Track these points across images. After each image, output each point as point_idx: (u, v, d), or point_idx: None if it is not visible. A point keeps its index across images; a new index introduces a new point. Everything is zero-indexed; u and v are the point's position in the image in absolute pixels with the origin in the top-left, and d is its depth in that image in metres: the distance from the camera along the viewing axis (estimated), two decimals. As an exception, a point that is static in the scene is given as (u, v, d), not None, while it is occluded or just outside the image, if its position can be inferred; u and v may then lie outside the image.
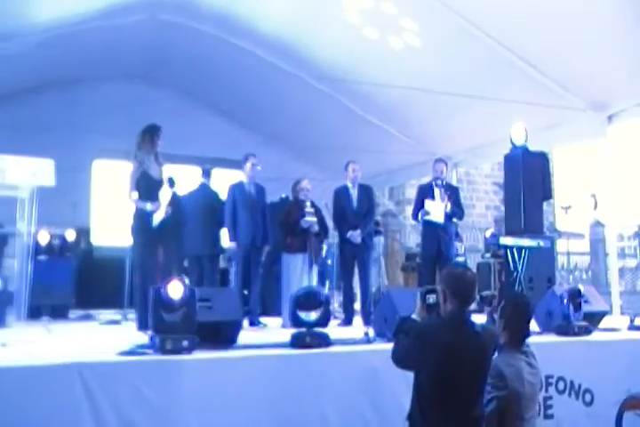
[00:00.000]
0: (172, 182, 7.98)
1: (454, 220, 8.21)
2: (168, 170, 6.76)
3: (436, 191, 7.99)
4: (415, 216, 8.11)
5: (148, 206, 6.23)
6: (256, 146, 9.80)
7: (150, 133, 6.42)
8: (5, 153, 7.28)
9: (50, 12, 7.97)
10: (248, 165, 7.68)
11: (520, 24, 7.45)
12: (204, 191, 8.01)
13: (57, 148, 8.97)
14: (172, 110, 11.20)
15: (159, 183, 6.44)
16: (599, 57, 7.45)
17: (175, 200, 7.45)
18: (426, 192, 8.06)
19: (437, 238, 7.88)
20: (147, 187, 6.31)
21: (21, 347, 4.86)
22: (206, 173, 8.10)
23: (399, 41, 8.42)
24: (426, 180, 8.75)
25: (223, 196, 7.83)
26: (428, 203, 7.87)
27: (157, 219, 6.28)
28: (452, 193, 8.09)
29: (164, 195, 6.67)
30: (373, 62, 9.02)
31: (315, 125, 11.64)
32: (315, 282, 7.49)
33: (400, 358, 3.52)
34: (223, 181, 8.23)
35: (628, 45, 7.19)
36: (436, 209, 7.85)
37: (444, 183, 8.12)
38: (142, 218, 6.27)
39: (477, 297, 7.17)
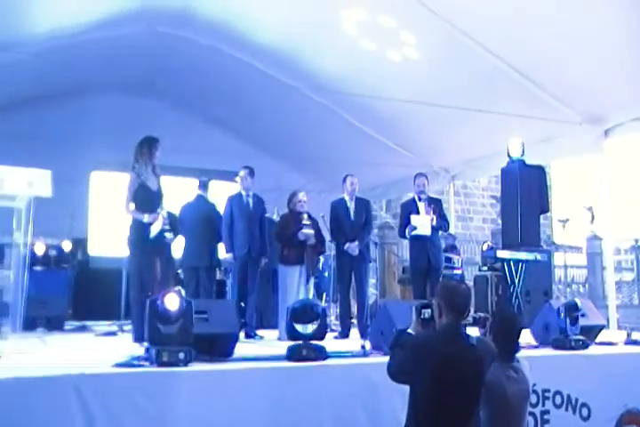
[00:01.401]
0: (204, 185, 7.98)
1: (446, 232, 8.23)
2: (165, 182, 6.75)
3: (420, 206, 8.01)
4: (403, 233, 8.08)
5: (146, 218, 6.24)
6: (254, 157, 9.83)
7: (148, 145, 6.43)
8: (2, 163, 7.27)
9: (48, 22, 8.00)
10: (237, 179, 7.74)
11: (517, 38, 7.49)
12: (201, 203, 7.97)
13: (54, 159, 8.94)
14: (169, 122, 11.21)
15: (157, 195, 6.44)
16: (596, 71, 7.47)
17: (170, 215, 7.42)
18: (410, 208, 8.07)
19: (426, 251, 7.87)
20: (144, 198, 6.32)
21: (16, 358, 4.84)
22: (203, 186, 8.05)
23: (397, 53, 8.45)
24: (412, 194, 8.74)
25: (220, 207, 7.83)
26: (414, 218, 7.88)
27: (155, 230, 6.27)
28: (436, 206, 8.11)
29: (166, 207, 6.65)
30: (371, 74, 9.04)
31: (312, 137, 11.66)
32: (311, 294, 7.49)
33: (395, 372, 3.52)
34: (221, 193, 8.24)
35: (626, 60, 7.22)
36: (423, 223, 7.86)
37: (427, 197, 8.12)
38: (139, 229, 6.28)
39: (470, 318, 7.20)
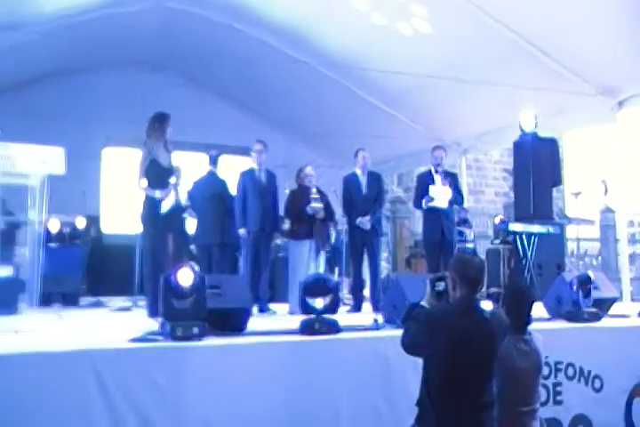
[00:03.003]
0: (214, 160, 7.94)
1: (460, 206, 8.19)
2: (177, 157, 6.75)
3: (437, 178, 7.92)
4: (419, 204, 7.98)
5: (158, 194, 6.24)
6: (265, 133, 9.79)
7: (160, 121, 6.42)
8: (15, 141, 7.30)
9: (57, 1, 7.96)
10: (253, 153, 7.70)
11: (530, 9, 7.39)
12: (212, 179, 7.91)
13: (66, 136, 8.99)
14: (180, 98, 11.19)
15: (168, 171, 6.44)
16: (610, 42, 7.39)
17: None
18: (426, 179, 7.99)
19: (440, 224, 7.81)
20: (156, 175, 6.31)
21: (33, 334, 4.90)
22: (213, 160, 7.97)
23: (408, 27, 8.38)
24: (423, 168, 8.69)
25: (231, 183, 7.82)
26: (432, 189, 7.78)
27: (166, 206, 6.29)
28: (452, 180, 8.04)
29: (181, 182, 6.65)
30: (383, 49, 8.98)
31: (324, 112, 11.62)
32: (322, 268, 7.50)
33: (409, 345, 3.53)
34: (232, 168, 8.23)
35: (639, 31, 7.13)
36: (441, 195, 7.79)
37: (443, 170, 8.06)
38: (151, 205, 6.28)
39: (485, 294, 7.21)
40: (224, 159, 8.20)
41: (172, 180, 6.37)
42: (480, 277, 3.53)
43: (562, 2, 7.07)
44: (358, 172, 7.89)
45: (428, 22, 8.20)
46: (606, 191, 13.43)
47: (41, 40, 8.62)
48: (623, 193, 9.19)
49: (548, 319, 6.01)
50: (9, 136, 7.10)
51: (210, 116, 11.80)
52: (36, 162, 7.22)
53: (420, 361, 3.50)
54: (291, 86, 11.03)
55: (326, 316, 4.90)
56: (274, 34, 9.63)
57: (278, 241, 9.58)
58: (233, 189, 7.77)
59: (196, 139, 10.58)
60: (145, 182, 6.32)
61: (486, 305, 3.74)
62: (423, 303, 3.63)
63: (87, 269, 9.78)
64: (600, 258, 14.20)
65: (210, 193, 7.77)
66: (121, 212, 11.04)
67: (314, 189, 7.50)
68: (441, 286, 3.59)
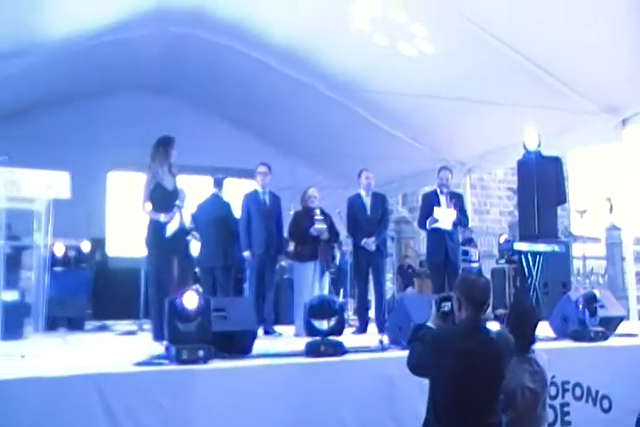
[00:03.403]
0: (219, 183, 7.98)
1: (464, 227, 8.18)
2: (181, 180, 6.78)
3: (442, 199, 7.91)
4: (423, 224, 7.97)
5: (162, 217, 6.26)
6: (269, 155, 9.83)
7: (164, 145, 6.46)
8: (21, 166, 7.34)
9: (63, 27, 8.05)
10: (257, 175, 7.74)
11: (531, 28, 7.43)
12: (216, 202, 7.93)
13: (72, 160, 9.04)
14: (184, 121, 11.28)
15: (173, 194, 6.47)
16: (612, 60, 7.41)
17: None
18: (432, 200, 7.98)
19: (444, 245, 7.79)
20: (161, 198, 6.34)
21: (39, 358, 4.90)
22: (218, 183, 8.00)
23: (410, 47, 8.43)
24: (428, 189, 8.70)
25: (235, 206, 7.85)
26: (437, 210, 7.77)
27: (171, 230, 6.31)
28: (458, 201, 8.04)
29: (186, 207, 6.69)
30: (385, 69, 9.02)
31: (327, 134, 11.66)
32: (326, 290, 7.50)
33: (415, 366, 3.52)
34: (237, 191, 8.26)
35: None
36: (446, 216, 7.79)
37: (449, 191, 8.06)
38: (156, 229, 6.30)
39: (491, 314, 7.18)
40: (228, 182, 8.23)
41: (177, 203, 6.40)
42: (486, 297, 3.52)
43: (564, 21, 7.10)
44: (362, 193, 7.91)
45: (429, 42, 8.24)
46: (611, 209, 13.42)
47: (46, 66, 8.72)
48: (629, 210, 9.17)
49: (555, 339, 5.99)
50: (15, 161, 7.13)
51: (214, 138, 11.84)
52: (42, 187, 7.24)
53: (425, 382, 3.50)
54: (294, 108, 11.09)
55: (332, 337, 4.89)
56: (277, 56, 9.70)
57: (283, 263, 9.60)
58: (237, 212, 7.79)
59: (199, 162, 10.61)
60: (150, 206, 6.34)
61: (493, 326, 3.73)
62: (429, 324, 3.62)
63: (92, 292, 9.78)
64: (606, 276, 14.16)
65: (214, 216, 7.78)
66: (126, 235, 11.06)
67: (317, 211, 7.52)
68: (447, 306, 3.59)
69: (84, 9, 7.64)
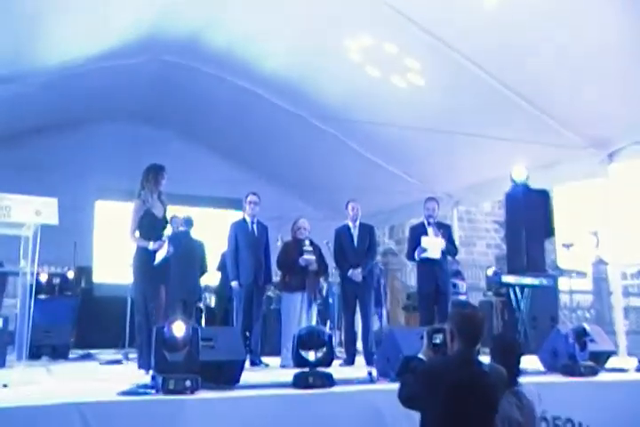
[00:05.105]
0: (188, 223, 8.25)
1: (450, 258, 8.16)
2: (171, 210, 6.76)
3: (429, 230, 7.86)
4: (412, 256, 7.91)
5: (151, 245, 6.22)
6: (257, 185, 9.79)
7: (154, 173, 6.43)
8: (9, 192, 7.29)
9: (54, 54, 8.08)
10: (246, 205, 7.75)
11: (520, 62, 7.53)
12: (189, 241, 8.47)
13: (60, 187, 8.95)
14: (173, 150, 11.27)
15: (162, 222, 6.44)
16: (599, 95, 7.50)
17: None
18: (419, 231, 7.93)
19: (434, 276, 7.72)
20: (149, 225, 6.30)
21: (23, 387, 4.81)
22: (189, 223, 8.67)
23: (401, 80, 8.50)
24: (415, 220, 8.73)
25: (220, 236, 7.90)
26: (424, 240, 7.72)
27: (160, 257, 6.26)
28: (445, 231, 7.98)
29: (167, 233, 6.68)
30: (375, 101, 9.09)
31: (316, 164, 11.70)
32: (314, 321, 7.44)
33: (407, 398, 3.48)
34: (224, 221, 8.30)
35: (629, 83, 7.25)
36: (434, 245, 7.73)
37: (436, 222, 8.02)
38: (144, 256, 6.25)
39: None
40: (212, 214, 8.44)
41: (167, 231, 6.38)
42: (480, 332, 3.46)
43: (551, 56, 7.20)
44: (350, 224, 7.90)
45: (420, 75, 8.33)
46: (598, 243, 13.47)
47: (37, 92, 8.71)
48: (615, 245, 9.19)
49: (544, 373, 5.95)
50: (2, 187, 7.08)
51: (202, 168, 11.87)
52: (30, 212, 7.18)
53: (415, 415, 3.44)
54: (283, 138, 11.13)
55: (320, 369, 4.84)
56: (268, 87, 9.75)
57: (270, 293, 9.53)
58: (211, 249, 8.19)
59: (187, 191, 10.61)
60: (138, 233, 6.30)
61: (484, 359, 3.70)
62: (420, 356, 3.59)
63: (77, 320, 9.64)
64: (593, 311, 14.16)
65: (182, 249, 7.71)
66: (113, 262, 10.97)
67: (307, 242, 7.51)
68: (439, 338, 3.56)
69: (79, 36, 7.70)
